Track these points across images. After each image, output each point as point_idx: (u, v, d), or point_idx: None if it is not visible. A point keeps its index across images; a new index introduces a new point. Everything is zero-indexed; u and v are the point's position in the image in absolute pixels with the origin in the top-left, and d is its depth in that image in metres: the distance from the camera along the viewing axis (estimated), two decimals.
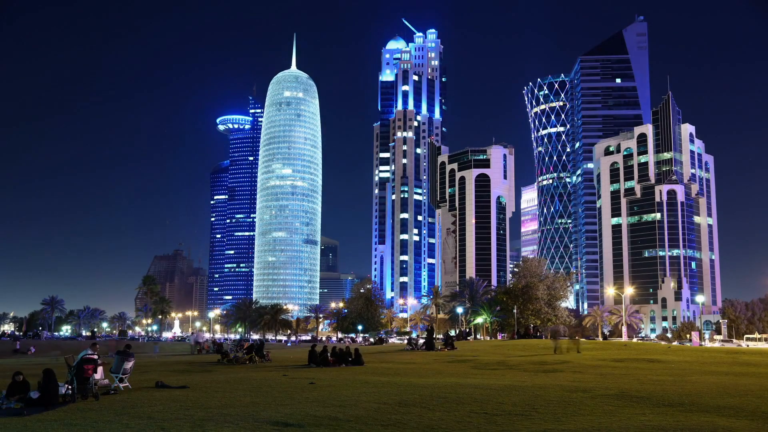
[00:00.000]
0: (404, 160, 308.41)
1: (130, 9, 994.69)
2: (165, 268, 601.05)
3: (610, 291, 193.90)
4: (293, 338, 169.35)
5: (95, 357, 21.57)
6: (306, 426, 15.05)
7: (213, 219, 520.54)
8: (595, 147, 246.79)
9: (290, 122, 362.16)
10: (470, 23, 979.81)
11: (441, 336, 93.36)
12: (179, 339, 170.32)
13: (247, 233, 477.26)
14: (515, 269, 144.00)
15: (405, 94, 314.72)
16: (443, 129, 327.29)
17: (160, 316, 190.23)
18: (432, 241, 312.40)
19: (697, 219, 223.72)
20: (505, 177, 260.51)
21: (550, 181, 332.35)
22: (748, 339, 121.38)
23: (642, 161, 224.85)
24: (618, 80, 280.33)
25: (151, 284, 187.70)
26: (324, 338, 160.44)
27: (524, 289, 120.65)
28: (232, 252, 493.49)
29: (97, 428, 14.91)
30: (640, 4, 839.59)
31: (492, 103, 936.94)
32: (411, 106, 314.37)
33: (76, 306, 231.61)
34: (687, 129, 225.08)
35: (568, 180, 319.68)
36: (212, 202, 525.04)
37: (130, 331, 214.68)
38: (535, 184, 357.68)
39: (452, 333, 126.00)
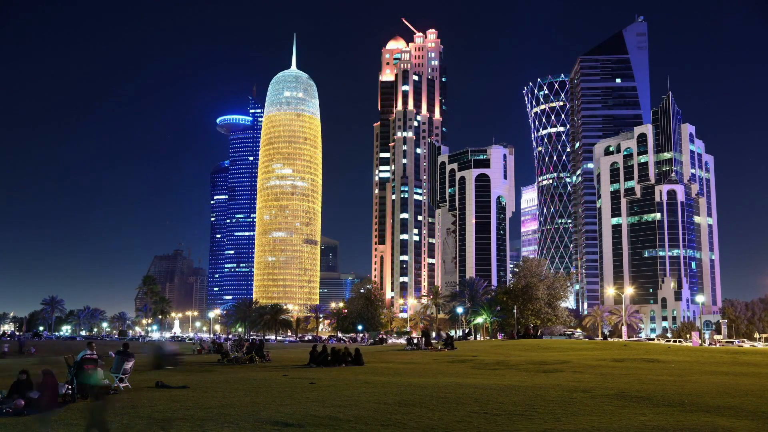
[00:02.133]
0: (404, 160, 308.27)
1: (130, 10, 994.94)
2: (165, 268, 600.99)
3: (610, 291, 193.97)
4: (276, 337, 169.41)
5: (95, 357, 21.58)
6: (306, 426, 15.05)
7: (213, 219, 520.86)
8: (595, 147, 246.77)
9: (290, 122, 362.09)
10: (470, 23, 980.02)
11: (436, 337, 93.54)
12: (178, 339, 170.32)
13: (247, 233, 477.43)
14: (515, 269, 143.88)
15: (405, 94, 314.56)
16: (443, 129, 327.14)
17: (160, 316, 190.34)
18: (432, 241, 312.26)
19: (697, 219, 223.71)
20: (505, 177, 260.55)
21: (550, 181, 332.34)
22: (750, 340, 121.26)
23: (642, 161, 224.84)
24: (618, 80, 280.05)
25: (151, 284, 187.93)
26: (324, 338, 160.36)
27: (524, 289, 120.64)
28: (232, 252, 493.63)
29: None
30: (640, 4, 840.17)
31: (492, 103, 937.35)
32: (411, 106, 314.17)
33: (76, 306, 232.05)
34: (687, 129, 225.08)
35: (568, 180, 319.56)
36: (212, 202, 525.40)
37: (130, 332, 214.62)
38: (535, 184, 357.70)
39: (452, 333, 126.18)
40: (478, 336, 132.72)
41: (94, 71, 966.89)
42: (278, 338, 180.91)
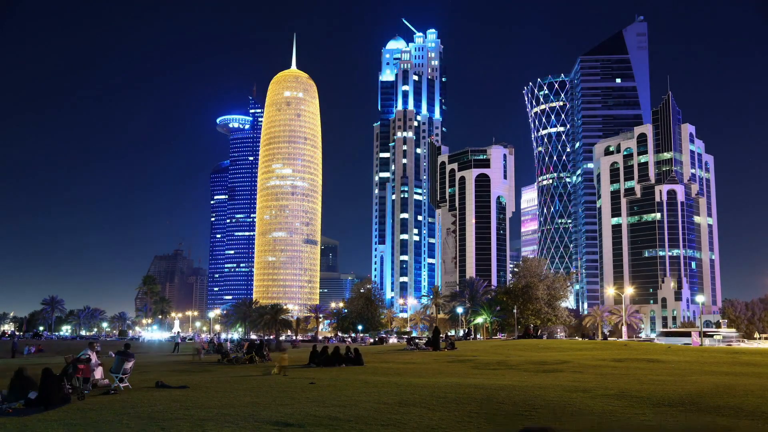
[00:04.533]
0: (404, 160, 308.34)
1: (130, 8, 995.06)
2: (165, 268, 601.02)
3: (610, 291, 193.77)
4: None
5: (87, 356, 21.58)
6: (306, 426, 15.04)
7: (213, 219, 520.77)
8: (595, 147, 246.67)
9: (290, 122, 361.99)
10: (470, 23, 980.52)
11: (442, 336, 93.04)
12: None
13: (247, 233, 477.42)
14: (515, 269, 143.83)
15: (405, 94, 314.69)
16: (443, 129, 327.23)
17: (160, 316, 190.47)
18: (432, 241, 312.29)
19: (697, 219, 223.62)
20: (505, 177, 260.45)
21: (550, 181, 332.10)
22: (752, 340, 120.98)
23: (642, 161, 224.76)
24: (618, 80, 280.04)
25: (151, 284, 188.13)
26: (322, 339, 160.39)
27: (524, 289, 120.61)
28: (232, 252, 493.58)
29: (97, 428, 14.91)
30: (640, 4, 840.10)
31: (492, 103, 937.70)
32: (411, 106, 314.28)
33: (76, 306, 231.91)
34: (687, 129, 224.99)
35: (568, 180, 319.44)
36: (212, 202, 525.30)
37: (130, 332, 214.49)
38: (535, 184, 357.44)
39: (452, 333, 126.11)
40: (478, 336, 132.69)
41: (93, 70, 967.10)
42: (287, 339, 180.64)
